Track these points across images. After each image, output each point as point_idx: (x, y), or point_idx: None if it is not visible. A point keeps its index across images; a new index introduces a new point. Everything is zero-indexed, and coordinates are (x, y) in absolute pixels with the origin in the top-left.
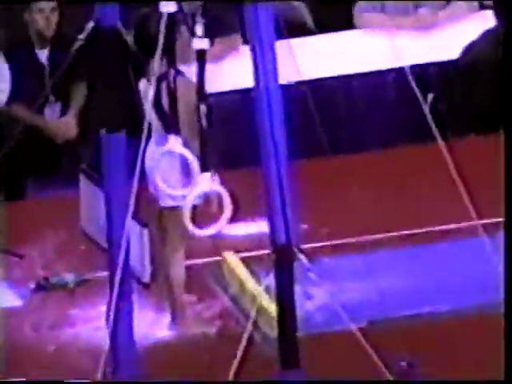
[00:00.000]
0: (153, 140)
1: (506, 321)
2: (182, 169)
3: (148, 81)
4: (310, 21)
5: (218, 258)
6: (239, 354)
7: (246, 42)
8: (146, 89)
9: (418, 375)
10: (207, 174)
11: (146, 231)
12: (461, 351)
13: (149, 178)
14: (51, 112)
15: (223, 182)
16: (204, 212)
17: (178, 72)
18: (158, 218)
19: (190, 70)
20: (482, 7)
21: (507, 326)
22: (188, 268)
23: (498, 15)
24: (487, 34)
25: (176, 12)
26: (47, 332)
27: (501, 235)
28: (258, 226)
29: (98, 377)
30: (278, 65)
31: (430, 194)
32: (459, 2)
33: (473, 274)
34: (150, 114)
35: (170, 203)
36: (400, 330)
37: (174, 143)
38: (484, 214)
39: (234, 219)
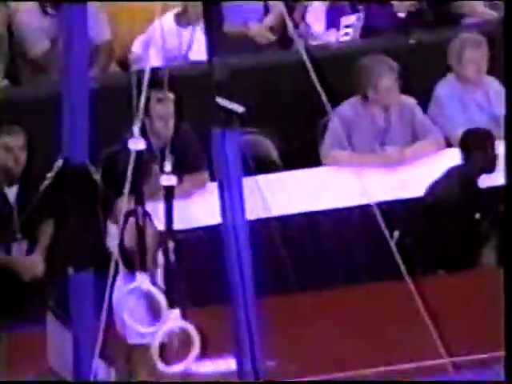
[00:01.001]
0: (120, 277)
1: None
2: (149, 306)
3: (113, 220)
4: (276, 157)
5: None
6: None
7: (213, 178)
8: (112, 227)
9: None
10: (175, 311)
11: (112, 370)
12: None
13: (117, 315)
14: (18, 249)
15: (191, 319)
16: (172, 349)
17: (146, 212)
18: (127, 356)
19: (158, 207)
20: (449, 145)
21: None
22: None
23: None
24: (452, 172)
25: (144, 149)
26: None
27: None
28: (226, 364)
29: None
30: (245, 201)
31: (400, 332)
32: (424, 142)
33: None
34: (117, 252)
35: (139, 340)
36: None
37: (142, 280)
38: (454, 351)
39: (201, 356)
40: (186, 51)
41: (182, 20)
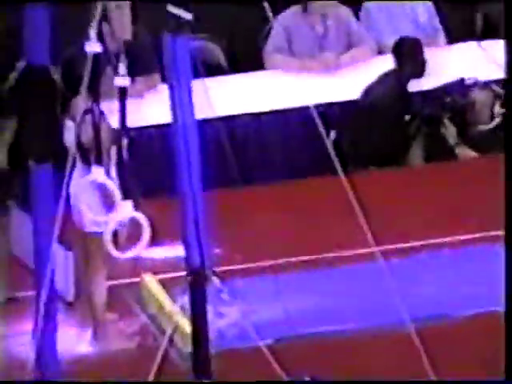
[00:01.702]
0: (77, 170)
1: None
2: (104, 197)
3: (71, 118)
4: (223, 61)
5: (136, 279)
6: (155, 368)
7: (164, 80)
8: (70, 124)
9: None
10: (127, 202)
11: (70, 254)
12: (360, 366)
13: (74, 205)
14: None
15: (143, 210)
16: (125, 236)
17: (101, 111)
18: (83, 243)
19: (113, 106)
20: (380, 52)
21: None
22: (109, 288)
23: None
24: (385, 77)
25: (101, 52)
26: None
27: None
28: (175, 250)
29: None
30: (194, 102)
31: (334, 222)
32: (359, 48)
33: (372, 297)
34: (75, 147)
35: (94, 229)
36: (304, 346)
37: (98, 174)
38: (382, 241)
39: (152, 243)
40: None
41: None
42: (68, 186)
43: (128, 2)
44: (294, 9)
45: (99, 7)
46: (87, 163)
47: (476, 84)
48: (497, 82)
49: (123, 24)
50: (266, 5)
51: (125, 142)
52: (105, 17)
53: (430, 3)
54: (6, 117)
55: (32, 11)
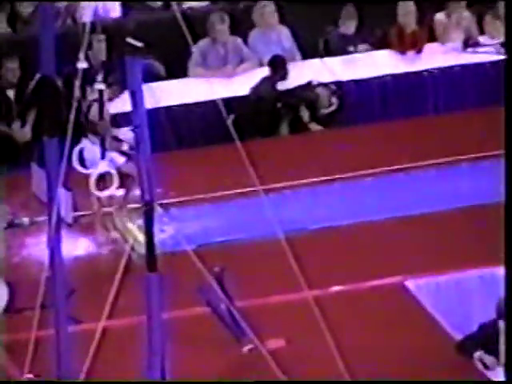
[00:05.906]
0: (86, 141)
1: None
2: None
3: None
4: (162, 71)
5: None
6: (122, 264)
7: (125, 86)
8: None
9: (227, 276)
10: (105, 161)
11: (69, 193)
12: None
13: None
14: (16, 126)
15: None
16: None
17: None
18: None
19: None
20: (260, 65)
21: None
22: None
23: None
24: (263, 80)
25: (87, 68)
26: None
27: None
28: (135, 191)
29: (43, 279)
30: (144, 98)
31: (235, 172)
32: (247, 63)
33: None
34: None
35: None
36: (217, 249)
37: (93, 140)
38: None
39: (119, 187)
40: (107, 11)
41: None
42: (70, 150)
43: (103, 37)
44: (206, 39)
45: (85, 40)
46: (95, 134)
47: (319, 84)
48: (332, 83)
49: (101, 50)
50: (189, 37)
51: (104, 123)
52: (90, 45)
53: (289, 33)
54: (29, 108)
55: (45, 44)
